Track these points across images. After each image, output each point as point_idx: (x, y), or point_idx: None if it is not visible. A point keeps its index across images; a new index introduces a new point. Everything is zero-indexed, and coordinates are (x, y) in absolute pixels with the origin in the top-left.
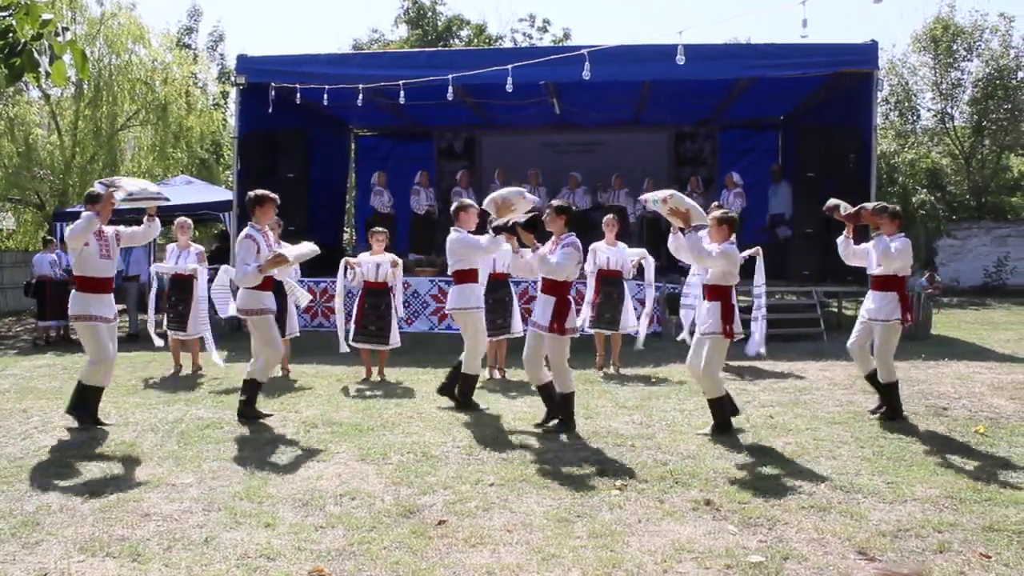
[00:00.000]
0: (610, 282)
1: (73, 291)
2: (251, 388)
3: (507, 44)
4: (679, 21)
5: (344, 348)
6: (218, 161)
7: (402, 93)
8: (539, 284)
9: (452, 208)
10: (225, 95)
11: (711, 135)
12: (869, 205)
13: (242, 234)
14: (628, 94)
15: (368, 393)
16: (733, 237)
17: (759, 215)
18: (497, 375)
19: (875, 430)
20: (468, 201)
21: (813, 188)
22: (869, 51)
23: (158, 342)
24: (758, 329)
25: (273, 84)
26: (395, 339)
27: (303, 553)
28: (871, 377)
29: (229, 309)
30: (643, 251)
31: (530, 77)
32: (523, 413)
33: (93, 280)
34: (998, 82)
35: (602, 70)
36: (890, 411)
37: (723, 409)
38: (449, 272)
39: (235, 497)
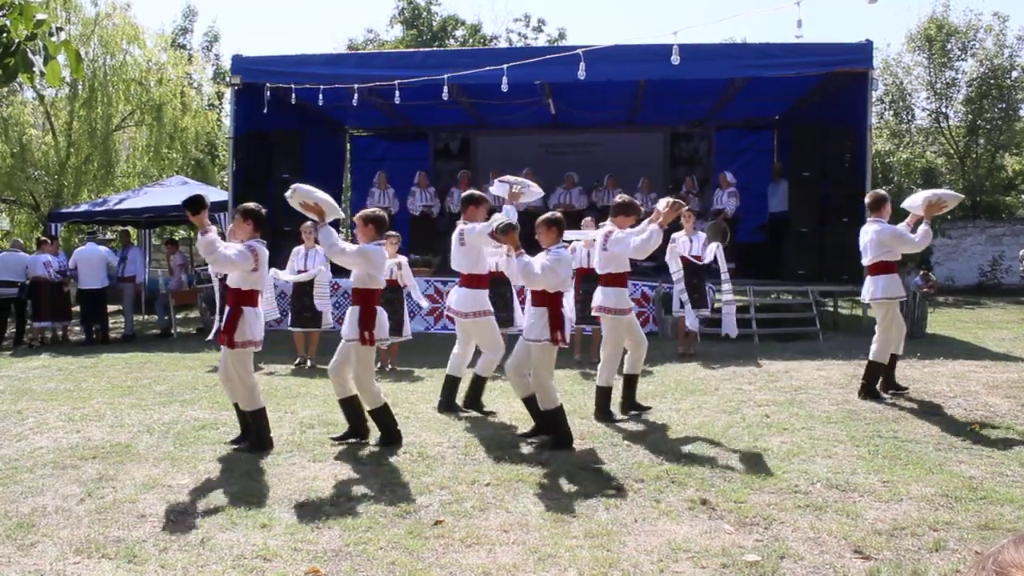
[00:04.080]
0: (588, 280)
1: (468, 289)
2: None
3: (502, 44)
4: (674, 21)
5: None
6: (213, 162)
7: (397, 93)
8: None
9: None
10: (220, 95)
11: (706, 135)
12: (495, 223)
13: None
14: (623, 94)
15: None
16: (383, 239)
17: (755, 215)
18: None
19: (871, 429)
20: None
21: (808, 188)
22: (864, 51)
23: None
24: (729, 312)
25: (268, 84)
26: (408, 331)
27: (299, 554)
28: (527, 400)
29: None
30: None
31: (525, 77)
32: (520, 414)
33: (484, 276)
34: (992, 81)
35: (597, 70)
36: (554, 439)
37: (382, 419)
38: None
39: (231, 498)
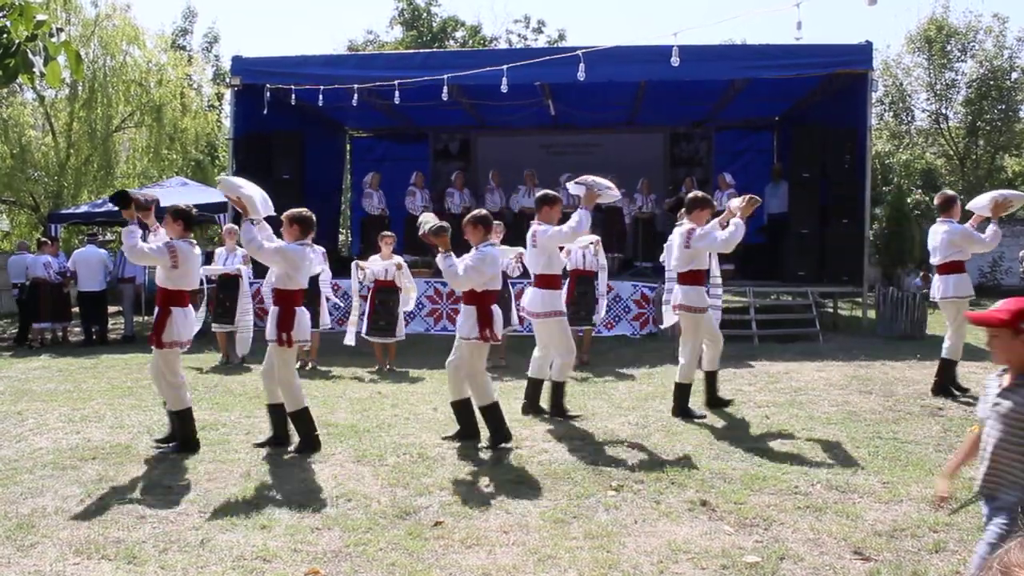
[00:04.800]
0: (584, 281)
1: (541, 289)
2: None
3: (502, 45)
4: (674, 22)
5: (350, 340)
6: (213, 163)
7: (397, 94)
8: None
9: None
10: (220, 96)
11: (706, 136)
12: (428, 226)
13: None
14: (623, 95)
15: (365, 394)
16: (308, 239)
17: (755, 216)
18: (502, 363)
19: (870, 430)
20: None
21: (808, 189)
22: (864, 52)
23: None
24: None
25: (268, 85)
26: (401, 332)
27: (299, 555)
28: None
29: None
30: (595, 237)
31: (525, 78)
32: (519, 414)
33: (557, 277)
34: (992, 83)
35: (597, 71)
36: (492, 437)
37: (303, 423)
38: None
39: (231, 499)
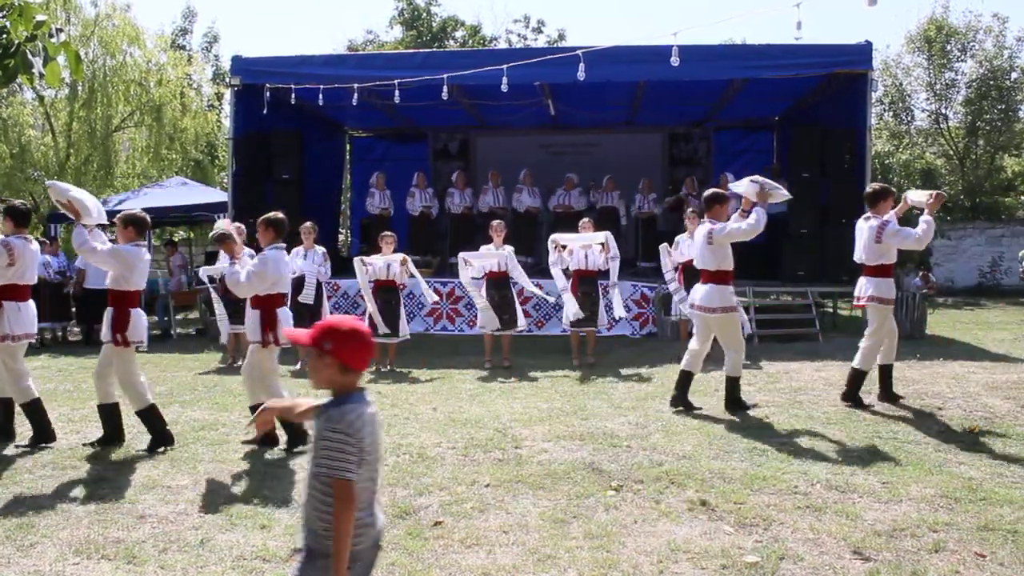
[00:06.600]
0: (586, 281)
1: (715, 285)
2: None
3: (502, 45)
4: (674, 22)
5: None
6: (213, 163)
7: (397, 94)
8: None
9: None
10: (220, 96)
11: (706, 136)
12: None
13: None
14: (623, 95)
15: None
16: (143, 241)
17: None
18: (506, 363)
19: (870, 430)
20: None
21: (808, 189)
22: (863, 52)
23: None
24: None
25: (268, 85)
26: (404, 332)
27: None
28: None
29: None
30: (604, 234)
31: (525, 78)
32: (519, 414)
33: (730, 273)
34: (992, 82)
35: (597, 71)
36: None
37: (150, 420)
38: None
39: (230, 499)
